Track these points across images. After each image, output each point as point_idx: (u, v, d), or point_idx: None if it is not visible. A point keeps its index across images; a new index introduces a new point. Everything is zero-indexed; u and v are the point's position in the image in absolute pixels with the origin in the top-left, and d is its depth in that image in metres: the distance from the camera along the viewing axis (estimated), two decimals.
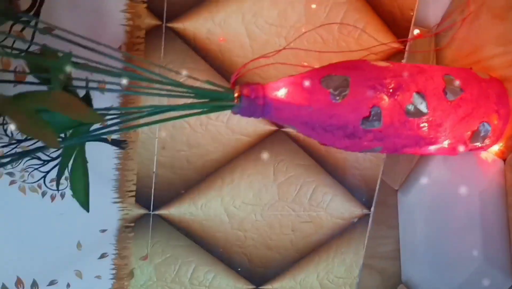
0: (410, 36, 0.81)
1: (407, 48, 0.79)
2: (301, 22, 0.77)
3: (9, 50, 0.63)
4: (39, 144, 0.74)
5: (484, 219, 0.66)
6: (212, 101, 0.55)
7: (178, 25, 0.74)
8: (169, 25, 0.73)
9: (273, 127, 0.83)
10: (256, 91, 0.56)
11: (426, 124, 0.58)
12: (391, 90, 0.56)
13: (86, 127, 0.54)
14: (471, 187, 0.68)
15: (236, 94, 0.56)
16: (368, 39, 0.80)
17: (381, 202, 0.90)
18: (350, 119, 0.56)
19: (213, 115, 0.79)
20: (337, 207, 0.91)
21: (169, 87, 0.54)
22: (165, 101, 0.68)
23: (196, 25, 0.74)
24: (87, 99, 0.55)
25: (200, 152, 0.82)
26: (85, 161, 0.58)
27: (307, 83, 0.56)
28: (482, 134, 0.61)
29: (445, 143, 0.61)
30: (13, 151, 0.73)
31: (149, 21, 0.72)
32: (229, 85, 0.58)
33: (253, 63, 0.66)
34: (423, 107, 0.58)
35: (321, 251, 0.94)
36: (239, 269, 0.90)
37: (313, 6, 0.79)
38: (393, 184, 0.87)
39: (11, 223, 0.77)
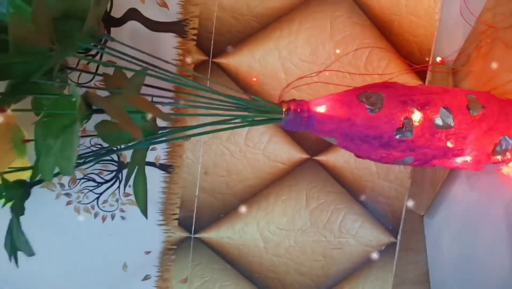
0: (428, 73, 0.89)
1: (427, 79, 0.87)
2: (331, 60, 0.86)
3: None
4: (96, 167, 0.81)
5: (511, 230, 0.71)
6: (263, 114, 0.63)
7: (223, 60, 0.83)
8: (215, 60, 0.82)
9: (306, 156, 0.90)
10: (302, 106, 0.64)
11: (453, 136, 0.65)
12: (421, 105, 0.64)
13: (153, 135, 0.61)
14: (496, 202, 0.74)
15: (284, 109, 0.63)
16: (391, 75, 0.89)
17: (408, 229, 0.95)
18: (385, 130, 0.63)
19: (251, 143, 0.87)
20: (365, 234, 0.96)
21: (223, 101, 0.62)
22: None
23: (238, 60, 0.83)
24: None
25: (239, 178, 0.88)
26: (145, 172, 0.65)
27: (346, 98, 0.64)
28: (504, 147, 0.68)
29: (470, 157, 0.68)
30: None
31: (198, 56, 0.81)
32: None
33: (295, 82, 0.74)
34: (450, 120, 0.65)
35: (351, 279, 0.98)
36: None
37: (338, 51, 0.88)
38: (419, 210, 0.92)
39: (65, 242, 0.82)
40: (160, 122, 0.70)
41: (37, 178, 0.53)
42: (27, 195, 0.53)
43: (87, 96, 0.48)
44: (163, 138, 0.61)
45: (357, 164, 0.92)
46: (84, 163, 0.57)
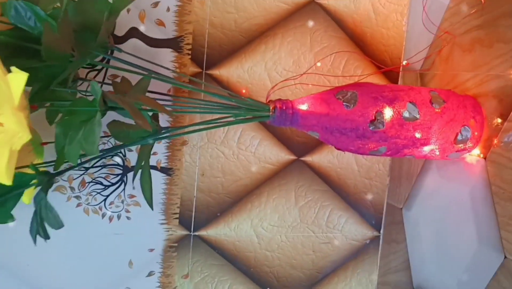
0: (400, 77, 1.00)
1: (399, 82, 0.98)
2: (312, 69, 0.96)
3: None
4: (103, 171, 0.89)
5: (475, 210, 0.80)
6: (253, 112, 0.72)
7: (215, 72, 0.92)
8: (208, 72, 0.92)
9: (293, 157, 0.99)
10: (287, 104, 0.73)
11: (419, 127, 0.74)
12: (390, 100, 0.74)
13: (156, 134, 0.70)
14: (462, 187, 0.83)
15: (271, 107, 0.73)
16: (363, 77, 0.99)
17: (389, 222, 1.04)
18: (360, 122, 0.73)
19: (243, 146, 0.96)
20: (350, 229, 1.04)
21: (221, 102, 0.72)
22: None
23: (229, 71, 0.93)
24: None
25: (233, 178, 0.97)
26: (149, 166, 0.74)
27: (325, 97, 0.73)
28: (464, 136, 0.77)
29: (436, 146, 0.77)
30: (81, 178, 0.88)
31: (193, 69, 0.91)
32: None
33: (281, 84, 0.84)
34: (415, 113, 0.74)
35: (339, 272, 1.06)
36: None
37: (319, 64, 0.98)
38: (398, 204, 1.01)
39: (75, 241, 0.90)
40: (162, 123, 0.80)
41: (59, 170, 0.61)
42: (51, 183, 0.61)
43: (104, 94, 0.57)
44: (165, 135, 0.69)
45: (340, 164, 1.01)
46: (99, 157, 0.65)
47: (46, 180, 0.60)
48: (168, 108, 0.81)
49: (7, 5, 0.57)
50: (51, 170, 0.65)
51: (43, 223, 0.59)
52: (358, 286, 1.06)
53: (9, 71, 0.53)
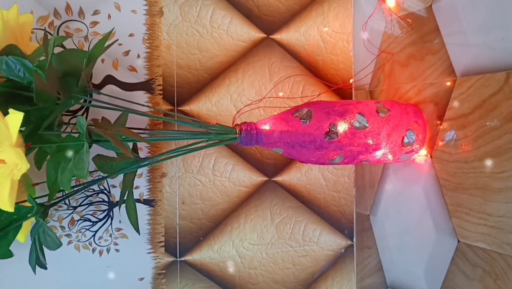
0: (353, 95, 1.11)
1: (352, 99, 1.09)
2: (271, 94, 1.07)
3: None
4: (91, 208, 0.96)
5: (429, 204, 0.89)
6: (223, 135, 0.81)
7: (186, 107, 1.02)
8: (179, 108, 1.01)
9: (265, 178, 1.08)
10: (251, 126, 0.82)
11: (369, 134, 0.84)
12: (340, 114, 0.84)
13: (137, 163, 0.78)
14: (416, 185, 0.93)
15: (238, 130, 0.82)
16: (315, 96, 1.10)
17: (360, 230, 1.13)
18: (316, 135, 0.82)
19: (218, 173, 1.04)
20: (326, 240, 1.12)
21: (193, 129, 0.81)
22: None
23: (198, 106, 1.03)
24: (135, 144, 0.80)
25: (211, 203, 1.05)
26: (133, 193, 0.82)
27: (284, 116, 0.83)
28: (410, 139, 0.88)
29: (387, 150, 0.87)
30: (70, 216, 0.95)
31: (165, 107, 1.00)
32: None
33: (245, 109, 0.94)
34: (365, 122, 0.85)
35: (320, 282, 1.13)
36: None
37: (281, 94, 1.09)
38: (365, 211, 1.10)
39: (70, 277, 0.95)
40: (142, 155, 0.88)
41: (52, 201, 0.69)
42: (46, 214, 0.68)
43: (88, 128, 0.66)
44: (146, 163, 0.78)
45: (308, 180, 1.10)
46: (86, 185, 0.73)
47: (43, 210, 0.67)
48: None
49: None
50: None
51: (42, 248, 0.66)
52: None
53: (5, 115, 0.61)
